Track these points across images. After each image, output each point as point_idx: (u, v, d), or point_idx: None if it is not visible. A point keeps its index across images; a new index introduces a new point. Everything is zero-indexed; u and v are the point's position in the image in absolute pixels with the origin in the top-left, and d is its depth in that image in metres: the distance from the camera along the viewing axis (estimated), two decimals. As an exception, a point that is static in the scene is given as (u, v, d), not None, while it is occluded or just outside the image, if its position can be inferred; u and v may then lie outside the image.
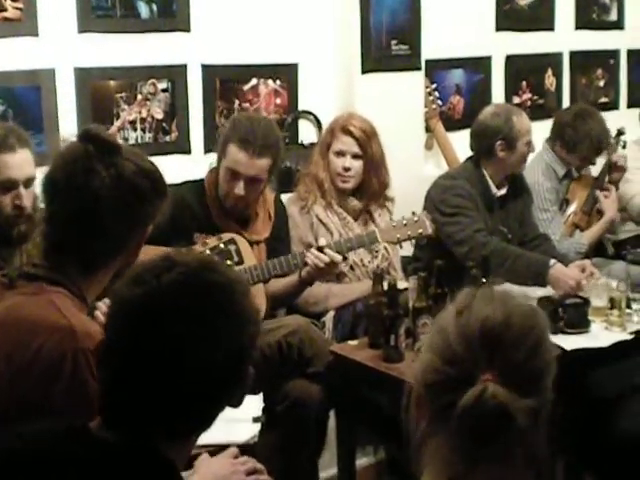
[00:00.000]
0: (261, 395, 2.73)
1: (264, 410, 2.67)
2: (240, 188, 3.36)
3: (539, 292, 3.52)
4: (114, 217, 1.96)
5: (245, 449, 2.28)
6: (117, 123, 3.85)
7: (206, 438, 1.63)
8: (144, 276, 1.51)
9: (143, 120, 3.93)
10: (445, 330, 1.40)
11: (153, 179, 2.03)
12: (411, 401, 1.43)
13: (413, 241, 3.58)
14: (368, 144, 3.82)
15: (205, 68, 4.07)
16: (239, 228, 3.47)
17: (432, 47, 4.64)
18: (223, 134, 3.49)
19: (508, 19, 5.22)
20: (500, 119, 4.02)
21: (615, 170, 4.81)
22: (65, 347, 1.84)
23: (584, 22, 5.64)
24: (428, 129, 4.75)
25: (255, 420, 2.54)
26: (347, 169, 3.82)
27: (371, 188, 3.88)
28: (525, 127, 4.05)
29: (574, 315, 3.25)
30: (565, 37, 5.55)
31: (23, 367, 1.85)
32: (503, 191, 4.13)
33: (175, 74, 4.00)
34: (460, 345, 1.36)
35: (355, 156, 3.82)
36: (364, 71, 4.34)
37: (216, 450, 2.13)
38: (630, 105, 5.92)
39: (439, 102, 4.82)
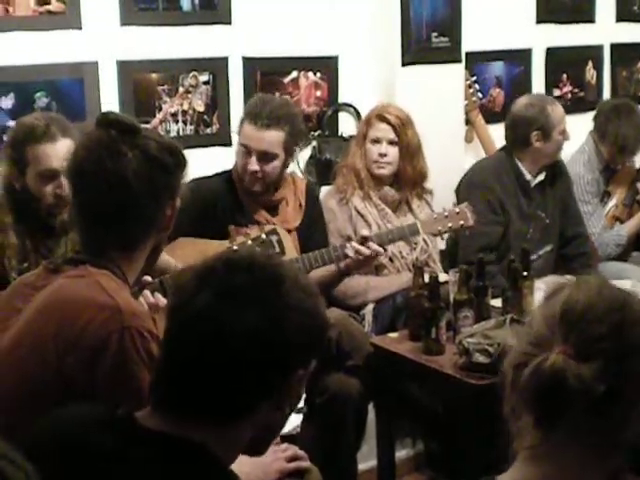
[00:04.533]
0: (303, 386, 2.73)
1: (305, 401, 2.67)
2: (253, 163, 3.36)
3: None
4: (145, 196, 1.97)
5: (287, 439, 2.29)
6: (159, 115, 3.88)
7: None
8: (205, 273, 1.52)
9: (184, 112, 3.96)
10: (531, 318, 1.44)
11: (175, 154, 2.04)
12: (506, 389, 1.42)
13: (453, 234, 3.58)
14: (404, 131, 3.81)
15: (246, 61, 4.09)
16: (269, 216, 3.47)
17: (472, 39, 4.62)
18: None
19: (549, 11, 5.18)
20: (535, 109, 4.06)
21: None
22: (111, 326, 1.84)
23: (625, 14, 5.56)
24: (468, 122, 4.74)
25: (298, 411, 2.55)
26: (383, 155, 3.81)
27: (407, 176, 3.86)
28: (559, 116, 4.09)
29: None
30: (606, 30, 5.49)
31: (69, 346, 1.85)
32: (541, 177, 4.15)
33: (216, 67, 4.02)
34: (541, 325, 1.39)
35: (391, 142, 3.81)
36: (404, 64, 4.32)
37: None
38: (671, 98, 5.85)
39: (479, 95, 4.81)
